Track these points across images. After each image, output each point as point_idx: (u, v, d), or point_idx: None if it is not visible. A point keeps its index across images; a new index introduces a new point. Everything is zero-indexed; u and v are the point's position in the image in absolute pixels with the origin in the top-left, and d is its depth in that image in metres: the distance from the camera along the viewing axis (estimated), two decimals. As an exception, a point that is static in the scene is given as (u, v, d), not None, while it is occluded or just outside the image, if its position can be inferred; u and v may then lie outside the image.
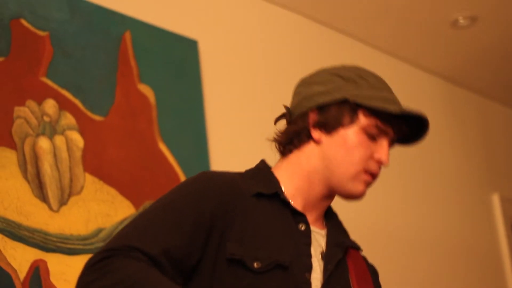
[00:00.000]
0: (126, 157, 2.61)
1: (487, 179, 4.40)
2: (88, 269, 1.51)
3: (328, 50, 3.71)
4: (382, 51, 3.98)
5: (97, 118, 2.58)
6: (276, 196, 1.68)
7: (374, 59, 3.94)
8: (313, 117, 1.71)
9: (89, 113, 2.56)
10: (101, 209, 2.47)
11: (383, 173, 3.97)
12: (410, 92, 4.10)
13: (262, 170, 1.75)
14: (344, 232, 1.80)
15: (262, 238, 1.61)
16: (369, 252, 3.39)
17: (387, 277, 3.43)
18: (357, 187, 1.71)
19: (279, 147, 1.77)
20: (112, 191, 2.53)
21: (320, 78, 1.74)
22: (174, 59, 2.90)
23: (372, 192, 3.56)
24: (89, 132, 2.53)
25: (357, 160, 1.69)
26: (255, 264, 1.57)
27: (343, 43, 3.79)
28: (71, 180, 2.43)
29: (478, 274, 4.06)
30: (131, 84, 2.73)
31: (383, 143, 1.72)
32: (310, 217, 1.72)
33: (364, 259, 1.82)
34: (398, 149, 3.90)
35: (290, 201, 1.69)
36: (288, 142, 1.75)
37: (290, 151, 1.75)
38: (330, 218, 1.79)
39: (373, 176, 1.73)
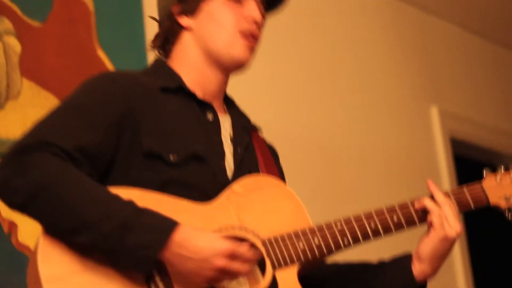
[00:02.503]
0: (64, 64, 2.62)
1: (426, 91, 4.37)
2: (5, 163, 1.53)
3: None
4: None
5: (35, 24, 2.58)
6: (181, 90, 1.73)
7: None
8: (176, 9, 1.78)
9: (26, 19, 2.56)
10: (38, 114, 2.44)
11: (322, 84, 3.97)
12: (351, 5, 4.08)
13: (162, 66, 1.80)
14: (245, 116, 1.87)
15: (175, 131, 1.66)
16: (307, 164, 3.43)
17: (324, 189, 3.47)
18: (240, 50, 1.75)
19: (160, 52, 1.83)
20: (50, 97, 2.55)
21: None
22: (113, -34, 2.89)
23: (309, 103, 3.60)
24: (27, 38, 2.53)
25: (228, 25, 1.75)
26: (171, 157, 1.62)
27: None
28: (8, 85, 2.44)
29: (415, 188, 4.07)
30: (70, -9, 2.71)
31: (250, 2, 1.77)
32: (214, 105, 1.78)
33: (264, 140, 1.89)
34: (335, 62, 3.89)
35: (194, 92, 1.75)
36: (165, 42, 1.82)
37: (171, 49, 1.81)
38: (228, 103, 1.86)
39: (254, 37, 1.78)
